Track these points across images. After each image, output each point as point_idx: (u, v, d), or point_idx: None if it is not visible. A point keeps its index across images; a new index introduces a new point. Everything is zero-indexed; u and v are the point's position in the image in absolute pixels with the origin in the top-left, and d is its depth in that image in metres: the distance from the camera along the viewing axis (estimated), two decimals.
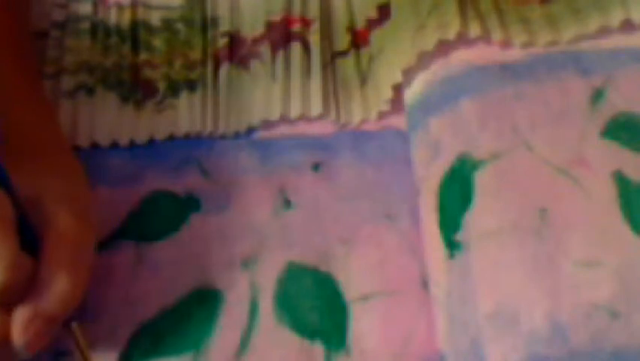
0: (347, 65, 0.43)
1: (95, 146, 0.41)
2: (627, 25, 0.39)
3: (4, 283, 0.30)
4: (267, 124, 0.41)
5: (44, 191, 0.33)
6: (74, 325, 0.33)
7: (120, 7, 0.46)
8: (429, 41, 0.38)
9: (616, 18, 0.38)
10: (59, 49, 0.44)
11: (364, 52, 0.44)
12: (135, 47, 0.45)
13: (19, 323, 0.31)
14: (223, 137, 0.41)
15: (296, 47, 0.43)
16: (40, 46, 0.44)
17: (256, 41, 0.44)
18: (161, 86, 0.43)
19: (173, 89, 0.43)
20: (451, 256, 0.34)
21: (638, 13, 0.38)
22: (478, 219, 0.34)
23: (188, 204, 0.39)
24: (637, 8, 0.38)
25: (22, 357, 0.31)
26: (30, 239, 0.32)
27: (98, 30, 0.45)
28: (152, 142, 0.41)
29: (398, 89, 0.40)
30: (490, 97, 0.37)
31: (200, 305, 0.35)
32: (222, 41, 0.44)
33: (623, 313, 0.30)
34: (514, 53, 0.39)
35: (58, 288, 0.31)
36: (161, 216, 0.38)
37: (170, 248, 0.37)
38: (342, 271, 0.36)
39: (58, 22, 0.45)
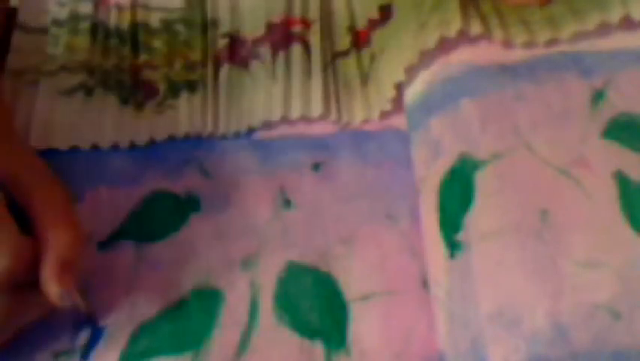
0: (348, 65, 0.43)
1: (95, 147, 0.41)
2: (627, 23, 0.39)
3: (12, 267, 0.31)
4: (268, 124, 0.41)
5: (18, 167, 0.34)
6: None
7: (120, 9, 0.46)
8: (430, 39, 0.39)
9: (616, 16, 0.38)
10: (59, 47, 0.44)
11: (365, 52, 0.44)
12: (135, 48, 0.45)
13: (51, 278, 0.32)
14: (223, 137, 0.41)
15: (296, 48, 0.43)
16: (39, 42, 0.44)
17: (256, 42, 0.45)
18: (162, 87, 0.43)
19: (174, 90, 0.43)
20: (452, 256, 0.34)
21: (637, 11, 0.38)
22: (478, 220, 0.34)
23: (188, 204, 0.39)
24: (637, 7, 0.38)
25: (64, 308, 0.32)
26: (20, 217, 0.33)
27: (98, 31, 0.45)
28: (152, 143, 0.41)
29: (400, 87, 0.40)
30: (491, 97, 0.37)
31: (200, 305, 0.35)
32: (222, 42, 0.45)
33: (625, 314, 0.30)
34: (515, 54, 0.39)
35: (63, 238, 0.33)
36: (161, 216, 0.38)
37: (170, 248, 0.37)
38: (342, 271, 0.36)
39: (58, 19, 0.45)
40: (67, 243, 0.33)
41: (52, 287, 0.32)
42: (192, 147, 0.41)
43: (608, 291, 0.31)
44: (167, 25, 0.46)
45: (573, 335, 0.30)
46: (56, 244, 0.32)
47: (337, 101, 0.42)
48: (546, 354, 0.30)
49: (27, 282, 0.32)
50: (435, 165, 0.36)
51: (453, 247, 0.34)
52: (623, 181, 0.34)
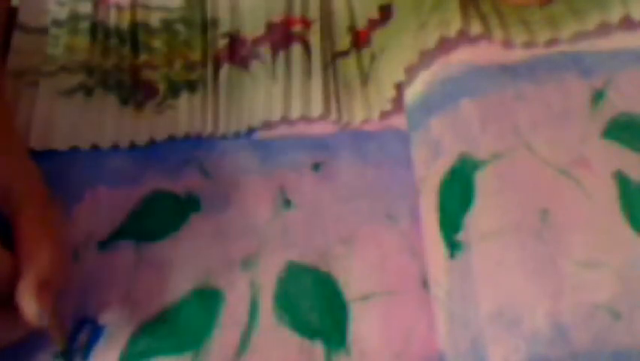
0: (348, 65, 0.43)
1: (95, 147, 0.41)
2: (627, 23, 0.39)
3: None
4: (268, 124, 0.41)
5: (12, 178, 0.34)
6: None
7: (119, 8, 0.46)
8: (430, 39, 0.39)
9: (616, 16, 0.39)
10: (59, 47, 0.44)
11: (365, 52, 0.44)
12: (135, 48, 0.45)
13: (30, 296, 0.31)
14: (223, 137, 0.41)
15: (296, 48, 0.43)
16: (39, 43, 0.44)
17: (256, 42, 0.45)
18: (161, 87, 0.43)
19: (174, 90, 0.43)
20: (452, 255, 0.34)
21: (637, 11, 0.38)
22: (479, 220, 0.34)
23: (188, 204, 0.39)
24: (637, 7, 0.38)
25: (40, 326, 0.31)
26: (3, 229, 0.33)
27: (98, 31, 0.45)
28: (152, 143, 0.41)
29: (400, 87, 0.40)
30: (491, 97, 0.37)
31: (200, 305, 0.35)
32: (222, 42, 0.45)
33: (625, 314, 0.30)
34: (515, 54, 0.39)
35: (45, 258, 0.32)
36: (161, 216, 0.38)
37: (170, 248, 0.37)
38: (342, 271, 0.36)
39: (58, 20, 0.45)
40: (49, 263, 0.32)
41: (31, 306, 0.31)
42: (192, 147, 0.41)
43: (608, 291, 0.31)
44: (167, 25, 0.46)
45: (573, 335, 0.30)
46: (38, 262, 0.32)
47: (337, 101, 0.42)
48: (546, 354, 0.30)
49: (1, 299, 0.31)
50: (435, 165, 0.36)
51: (453, 247, 0.34)
52: (623, 181, 0.34)
